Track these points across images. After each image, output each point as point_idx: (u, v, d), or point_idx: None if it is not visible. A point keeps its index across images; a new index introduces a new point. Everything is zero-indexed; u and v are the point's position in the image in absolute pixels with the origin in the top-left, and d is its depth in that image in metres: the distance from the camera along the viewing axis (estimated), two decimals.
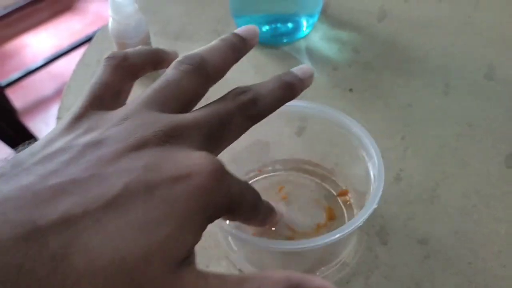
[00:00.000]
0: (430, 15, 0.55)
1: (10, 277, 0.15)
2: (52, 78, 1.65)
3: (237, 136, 0.24)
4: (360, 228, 0.29)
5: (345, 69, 0.49)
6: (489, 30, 0.53)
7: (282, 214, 0.33)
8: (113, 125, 0.21)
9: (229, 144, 0.23)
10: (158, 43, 0.52)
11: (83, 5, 1.96)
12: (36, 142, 0.20)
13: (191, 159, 0.19)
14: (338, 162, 0.39)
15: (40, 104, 1.59)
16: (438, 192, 0.38)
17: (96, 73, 0.24)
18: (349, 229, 0.28)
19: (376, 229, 0.36)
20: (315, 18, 0.53)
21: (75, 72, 0.50)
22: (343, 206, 0.38)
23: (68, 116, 0.22)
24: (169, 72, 0.23)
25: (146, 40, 0.48)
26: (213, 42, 0.25)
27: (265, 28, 0.53)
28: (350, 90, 0.47)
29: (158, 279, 0.17)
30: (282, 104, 0.25)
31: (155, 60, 0.27)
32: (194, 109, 0.24)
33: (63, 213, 0.17)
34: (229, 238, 0.36)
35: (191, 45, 0.53)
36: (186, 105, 0.23)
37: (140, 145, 0.19)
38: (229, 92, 0.24)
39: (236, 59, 0.26)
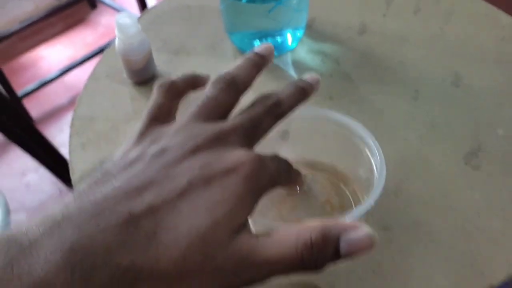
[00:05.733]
0: (405, 29, 0.60)
1: (121, 250, 0.21)
2: (66, 89, 1.73)
3: (267, 131, 0.30)
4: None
5: (326, 78, 0.55)
6: (458, 42, 0.58)
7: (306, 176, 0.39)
8: (171, 137, 0.27)
9: (262, 138, 0.30)
10: (159, 58, 0.58)
11: (95, 18, 2.04)
12: (115, 155, 0.27)
13: (234, 156, 0.26)
14: (340, 160, 0.43)
15: (55, 113, 1.66)
16: (402, 186, 0.44)
17: (152, 97, 0.31)
18: (358, 213, 0.32)
19: None
20: (301, 33, 0.59)
21: (86, 86, 0.56)
22: (350, 196, 0.42)
23: (134, 133, 0.29)
24: (208, 90, 0.30)
25: (149, 57, 0.54)
26: (238, 61, 0.32)
27: (256, 42, 0.58)
28: (330, 97, 0.53)
29: (224, 242, 0.23)
30: (299, 105, 0.32)
31: (195, 83, 0.34)
32: (231, 115, 0.30)
33: (148, 203, 0.23)
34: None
35: (190, 60, 0.59)
36: (224, 114, 0.30)
37: (194, 150, 0.26)
38: (256, 99, 0.31)
39: (258, 73, 0.33)
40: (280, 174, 0.29)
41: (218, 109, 0.29)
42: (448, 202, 0.42)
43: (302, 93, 0.32)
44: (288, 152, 0.45)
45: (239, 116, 0.29)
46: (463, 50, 0.57)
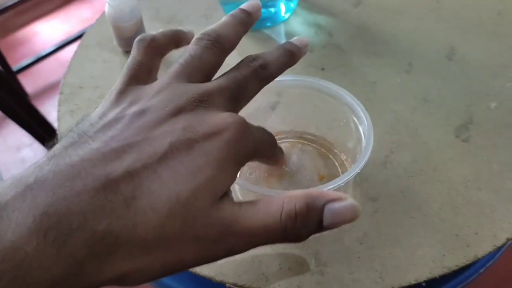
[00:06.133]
0: (400, 1, 0.59)
1: (98, 215, 0.20)
2: (61, 64, 1.71)
3: (253, 95, 0.29)
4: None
5: (319, 50, 0.54)
6: (454, 15, 0.57)
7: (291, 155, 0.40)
8: (152, 97, 0.25)
9: (247, 102, 0.28)
10: (151, 27, 0.57)
11: None
12: (92, 115, 0.25)
13: (219, 119, 0.24)
14: (327, 128, 0.43)
15: (50, 89, 1.65)
16: (391, 158, 0.43)
17: (131, 54, 0.29)
18: (346, 179, 0.32)
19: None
20: (295, 4, 0.58)
21: (76, 53, 0.56)
22: (338, 167, 0.42)
23: (112, 92, 0.27)
24: (191, 48, 0.28)
25: (139, 25, 0.53)
26: (224, 18, 0.30)
27: None
28: (322, 69, 0.52)
29: (205, 209, 0.22)
30: (286, 68, 0.31)
31: (177, 39, 0.32)
32: (214, 76, 0.29)
33: (127, 167, 0.21)
34: (236, 187, 0.39)
35: None
36: (208, 75, 0.28)
37: (177, 112, 0.24)
38: (242, 61, 0.29)
39: (245, 31, 0.31)
40: (264, 143, 0.28)
41: (201, 69, 0.28)
42: (437, 174, 0.42)
43: (290, 56, 0.31)
44: (278, 123, 0.44)
45: (224, 77, 0.28)
46: (459, 24, 0.56)
